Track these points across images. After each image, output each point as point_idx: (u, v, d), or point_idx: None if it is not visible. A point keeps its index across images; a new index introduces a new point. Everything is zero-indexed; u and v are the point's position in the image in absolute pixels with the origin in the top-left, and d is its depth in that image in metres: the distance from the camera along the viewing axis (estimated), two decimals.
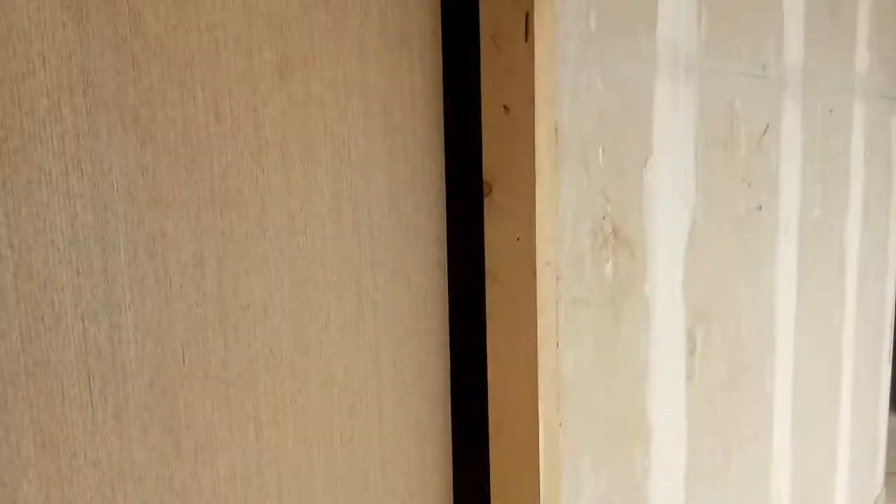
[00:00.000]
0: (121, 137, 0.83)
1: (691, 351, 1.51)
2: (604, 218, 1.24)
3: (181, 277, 0.89)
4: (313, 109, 1.01)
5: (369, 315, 1.10)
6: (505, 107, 1.12)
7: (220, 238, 0.93)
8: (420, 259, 1.16)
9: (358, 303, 1.09)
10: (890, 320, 2.77)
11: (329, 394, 1.06)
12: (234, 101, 0.93)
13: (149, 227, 0.86)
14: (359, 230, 1.08)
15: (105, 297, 0.82)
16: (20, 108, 0.77)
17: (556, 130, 1.13)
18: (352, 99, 1.05)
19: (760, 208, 1.67)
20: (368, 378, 1.11)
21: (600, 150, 1.22)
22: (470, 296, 1.18)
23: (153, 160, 0.86)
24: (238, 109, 0.93)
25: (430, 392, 1.20)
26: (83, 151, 0.81)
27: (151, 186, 0.86)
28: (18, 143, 0.77)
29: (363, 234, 1.09)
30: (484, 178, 1.16)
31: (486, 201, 1.16)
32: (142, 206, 0.86)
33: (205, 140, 0.90)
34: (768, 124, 1.67)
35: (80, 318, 0.80)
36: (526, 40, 1.08)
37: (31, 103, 0.77)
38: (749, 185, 1.62)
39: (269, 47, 0.97)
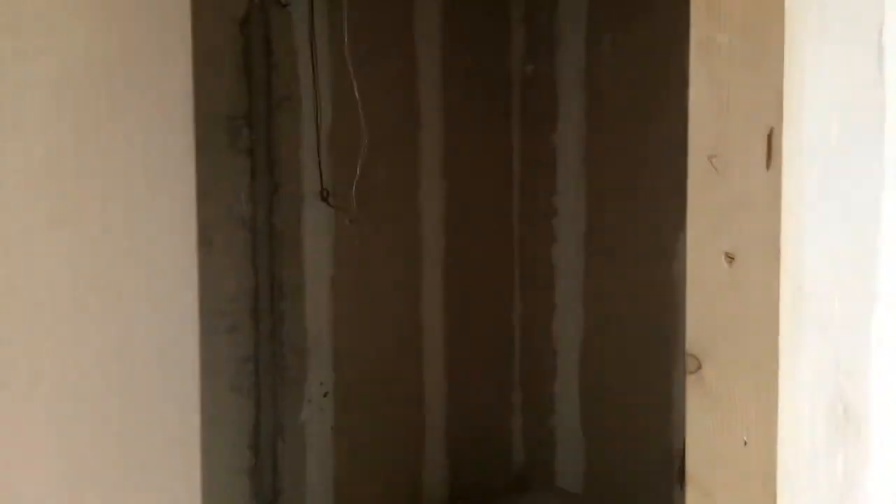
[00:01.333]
0: None
1: None
2: (838, 395, 0.91)
3: None
4: (86, 255, 1.08)
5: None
6: (728, 255, 0.80)
7: None
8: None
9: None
10: None
11: None
12: (11, 258, 0.96)
13: None
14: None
15: None
16: None
17: (801, 287, 0.80)
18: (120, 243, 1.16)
19: None
20: None
21: (836, 305, 0.90)
22: None
23: None
24: (11, 265, 0.96)
25: None
26: None
27: None
28: None
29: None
30: (688, 350, 0.83)
31: (691, 381, 0.83)
32: None
33: None
34: None
35: None
36: (768, 167, 0.76)
37: None
38: None
39: (43, 199, 0.99)
